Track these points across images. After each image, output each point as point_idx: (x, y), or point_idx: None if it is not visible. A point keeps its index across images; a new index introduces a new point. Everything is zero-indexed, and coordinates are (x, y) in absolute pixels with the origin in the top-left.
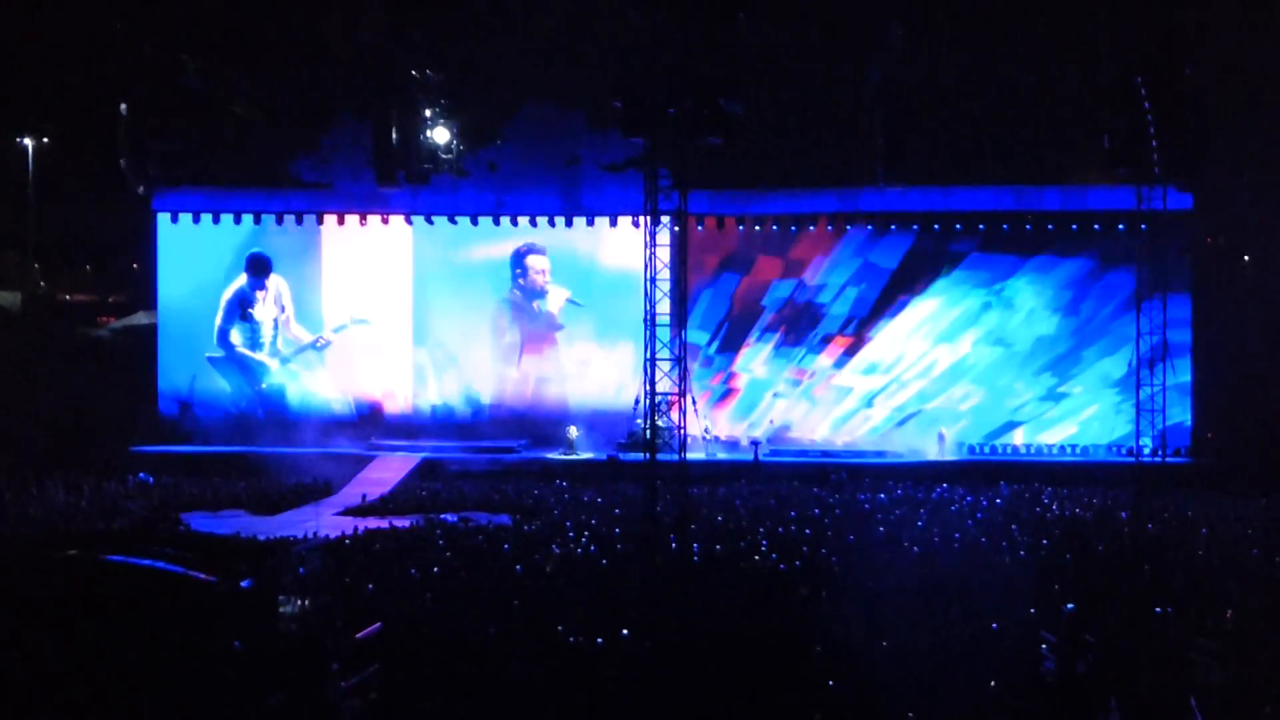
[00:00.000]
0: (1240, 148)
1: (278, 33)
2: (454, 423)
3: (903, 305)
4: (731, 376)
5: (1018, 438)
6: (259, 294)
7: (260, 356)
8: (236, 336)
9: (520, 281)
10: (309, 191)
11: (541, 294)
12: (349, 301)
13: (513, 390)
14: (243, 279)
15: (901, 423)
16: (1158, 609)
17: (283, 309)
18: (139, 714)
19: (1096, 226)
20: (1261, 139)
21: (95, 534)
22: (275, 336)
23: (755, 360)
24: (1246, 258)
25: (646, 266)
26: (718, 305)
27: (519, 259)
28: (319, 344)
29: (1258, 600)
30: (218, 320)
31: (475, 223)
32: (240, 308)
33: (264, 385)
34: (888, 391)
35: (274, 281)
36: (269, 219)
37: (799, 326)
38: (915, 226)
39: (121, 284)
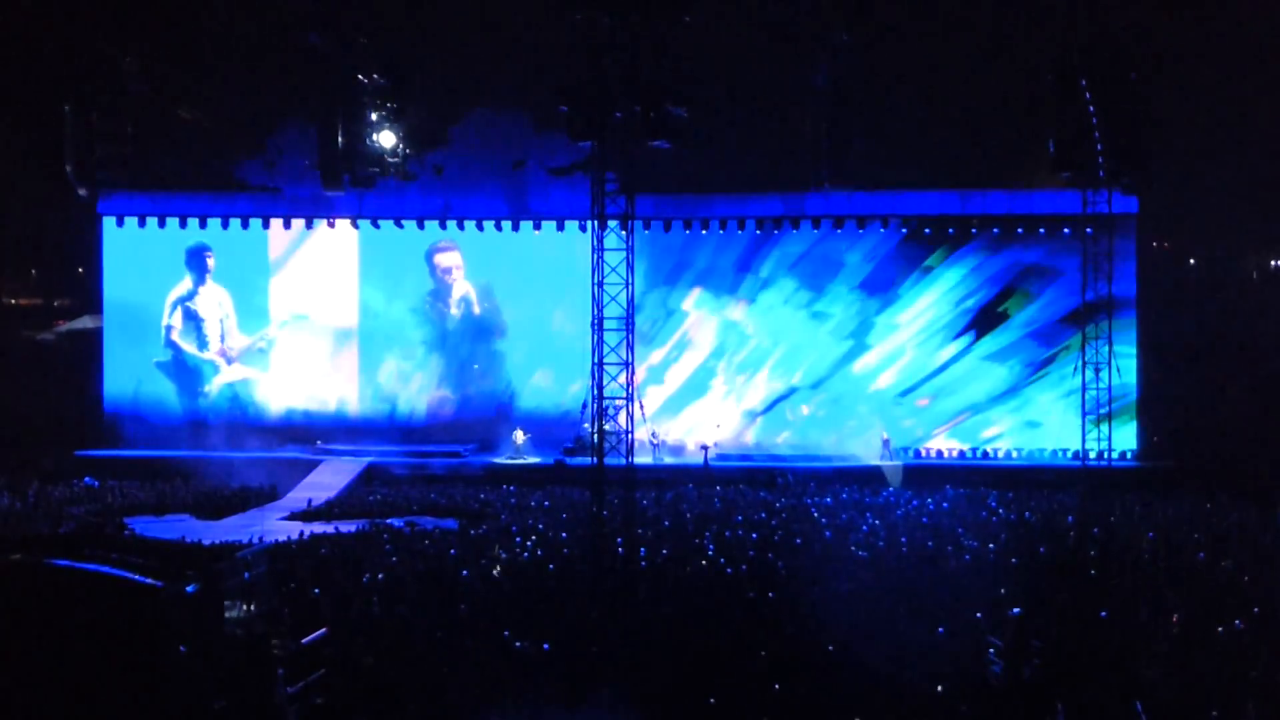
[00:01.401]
0: (1185, 151)
1: (223, 35)
2: (401, 427)
3: (850, 308)
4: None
5: (965, 441)
6: (202, 290)
7: (207, 355)
8: (182, 337)
9: (434, 280)
10: (255, 195)
11: (448, 291)
12: (296, 306)
13: (459, 394)
14: (187, 278)
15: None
16: (1103, 613)
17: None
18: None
19: (1042, 230)
20: (1206, 141)
21: (39, 538)
22: (222, 334)
23: (701, 361)
24: (1192, 260)
25: (594, 270)
26: (662, 305)
27: (428, 257)
28: (262, 342)
29: (1203, 604)
30: (164, 320)
31: (421, 226)
32: (184, 306)
33: (208, 388)
34: (831, 395)
35: (214, 284)
36: (215, 223)
37: (747, 329)
38: (861, 230)
39: (67, 288)
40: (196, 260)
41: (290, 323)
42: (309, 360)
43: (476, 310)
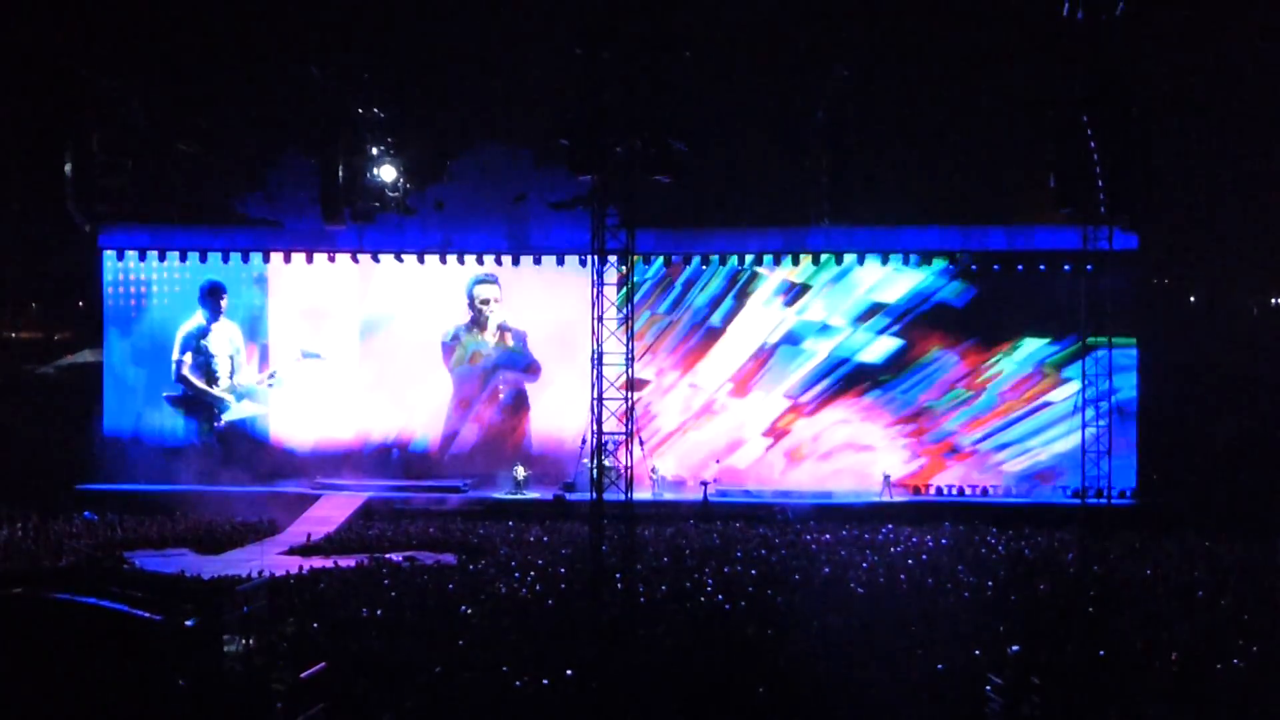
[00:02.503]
0: (1186, 188)
1: (223, 69)
2: (400, 462)
3: (849, 346)
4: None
5: (966, 478)
6: (215, 326)
7: (217, 391)
8: (192, 372)
9: (471, 312)
10: (257, 229)
11: (481, 324)
12: (297, 339)
13: (460, 429)
14: (199, 314)
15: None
16: (1102, 651)
17: (235, 347)
18: None
19: (1042, 266)
20: (1206, 179)
21: (40, 571)
22: (232, 370)
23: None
24: (1192, 298)
25: (594, 305)
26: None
27: (469, 289)
28: (270, 380)
29: (1203, 641)
30: (174, 355)
31: (422, 261)
32: (196, 341)
33: (218, 423)
34: (838, 434)
35: (226, 320)
36: (215, 257)
37: (749, 365)
38: (861, 265)
39: (68, 322)
40: (210, 296)
41: (300, 359)
42: (311, 394)
43: (509, 343)
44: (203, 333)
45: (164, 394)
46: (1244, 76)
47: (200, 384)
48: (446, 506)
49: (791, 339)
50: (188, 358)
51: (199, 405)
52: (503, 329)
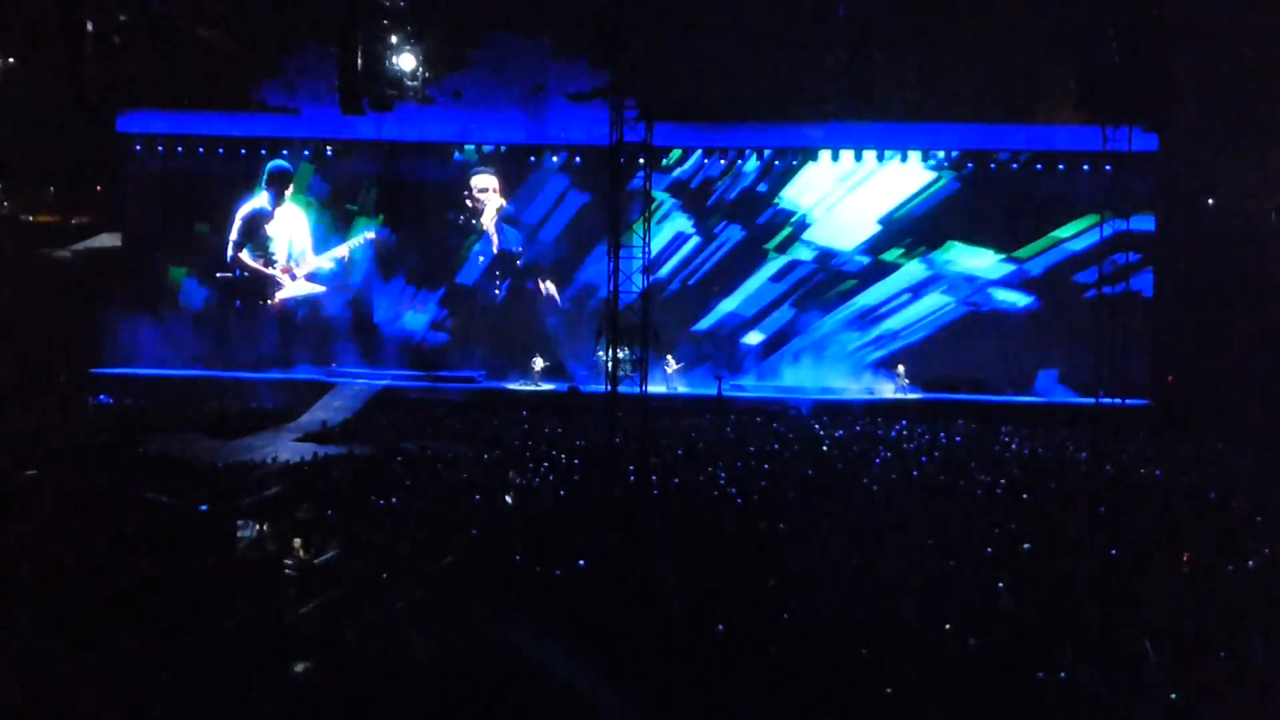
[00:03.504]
0: (1208, 90)
1: None
2: (416, 350)
3: (866, 243)
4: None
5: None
6: (279, 210)
7: (273, 271)
8: (249, 252)
9: (466, 203)
10: (274, 116)
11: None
12: (319, 228)
13: (476, 318)
14: (263, 196)
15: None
16: (1113, 551)
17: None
18: (94, 633)
19: (1061, 166)
20: (1229, 82)
21: (55, 454)
22: (290, 254)
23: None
24: (1211, 201)
25: (611, 198)
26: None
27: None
28: (330, 260)
29: (1214, 543)
30: (231, 236)
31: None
32: (258, 223)
33: (271, 302)
34: (850, 331)
35: (291, 204)
36: (233, 144)
37: (762, 263)
38: (880, 160)
39: (85, 206)
40: (277, 180)
41: (363, 243)
42: (328, 281)
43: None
44: (265, 215)
45: (216, 273)
46: None
47: (257, 265)
48: (462, 396)
49: (808, 238)
50: (245, 237)
51: (248, 286)
52: (503, 217)
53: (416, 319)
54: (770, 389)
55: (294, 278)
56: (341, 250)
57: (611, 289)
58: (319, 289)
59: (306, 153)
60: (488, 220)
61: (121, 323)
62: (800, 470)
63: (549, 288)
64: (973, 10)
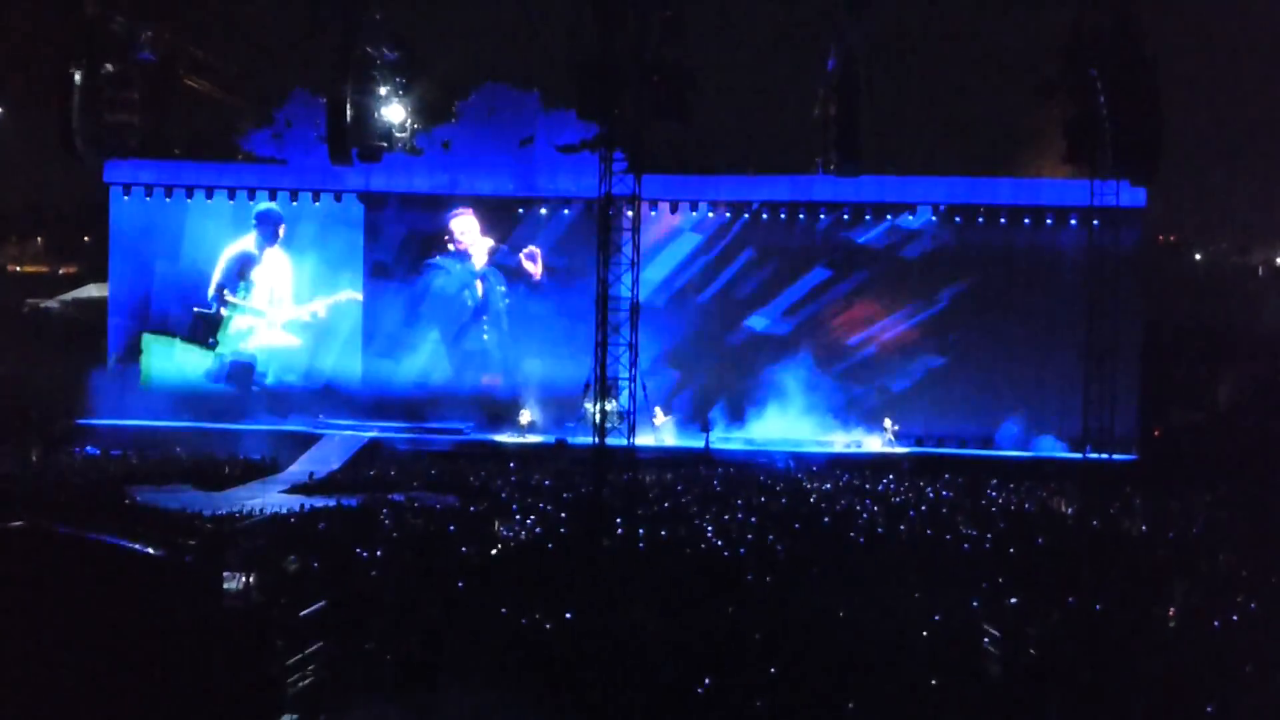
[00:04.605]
0: (1195, 145)
1: (231, 5)
2: (403, 402)
3: (852, 295)
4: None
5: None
6: (267, 253)
7: (249, 320)
8: (231, 293)
9: (449, 248)
10: (262, 166)
11: (464, 257)
12: (301, 279)
13: (463, 371)
14: (251, 238)
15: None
16: (1098, 605)
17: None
18: (78, 685)
19: (1049, 220)
20: (1215, 136)
21: (41, 505)
22: (270, 300)
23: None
24: (1198, 255)
25: (600, 250)
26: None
27: (445, 222)
28: (308, 315)
29: (1201, 596)
30: (215, 277)
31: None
32: (241, 267)
33: (244, 345)
34: (835, 383)
35: (279, 250)
36: (221, 194)
37: (752, 313)
38: (868, 216)
39: (73, 256)
40: (266, 223)
41: (340, 302)
42: (314, 333)
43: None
44: (251, 259)
45: (194, 309)
46: (1257, 32)
47: (238, 304)
48: (449, 448)
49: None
50: (230, 279)
51: (223, 329)
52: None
53: (402, 369)
54: (759, 441)
55: (270, 326)
56: (318, 306)
57: (600, 339)
58: (294, 342)
59: (297, 203)
60: (478, 262)
61: (108, 374)
62: (788, 523)
63: (532, 267)
64: (960, 64)
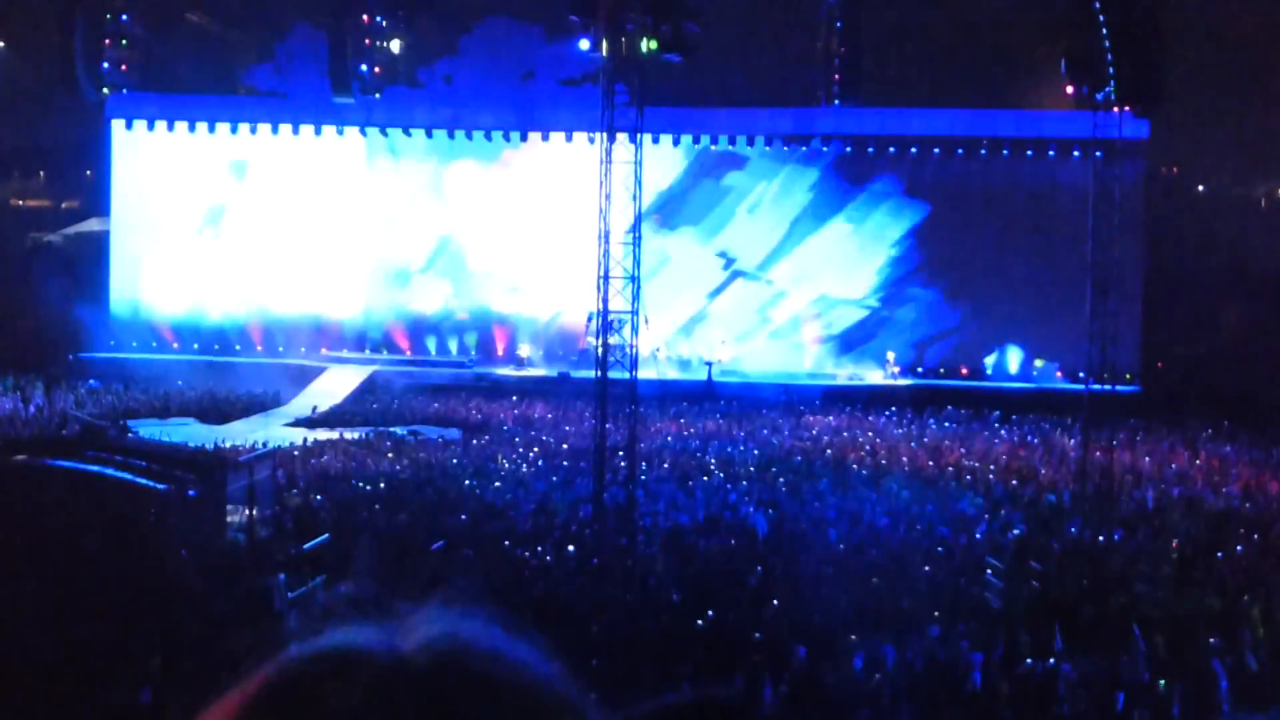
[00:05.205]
0: (1197, 77)
1: None
2: (406, 335)
3: (852, 228)
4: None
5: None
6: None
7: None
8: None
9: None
10: (264, 100)
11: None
12: (304, 211)
13: (467, 304)
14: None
15: (851, 346)
16: (1101, 539)
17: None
18: (84, 618)
19: (1052, 153)
20: (1217, 68)
21: (44, 440)
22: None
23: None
24: (1200, 188)
25: (602, 183)
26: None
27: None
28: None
29: (1203, 531)
30: (200, 224)
31: (430, 135)
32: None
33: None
34: (834, 314)
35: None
36: (223, 128)
37: (750, 248)
38: (870, 148)
39: (75, 190)
40: (238, 171)
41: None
42: (317, 266)
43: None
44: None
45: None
46: None
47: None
48: (451, 381)
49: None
50: (212, 225)
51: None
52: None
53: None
54: (762, 374)
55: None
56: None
57: (602, 274)
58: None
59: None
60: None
61: (110, 307)
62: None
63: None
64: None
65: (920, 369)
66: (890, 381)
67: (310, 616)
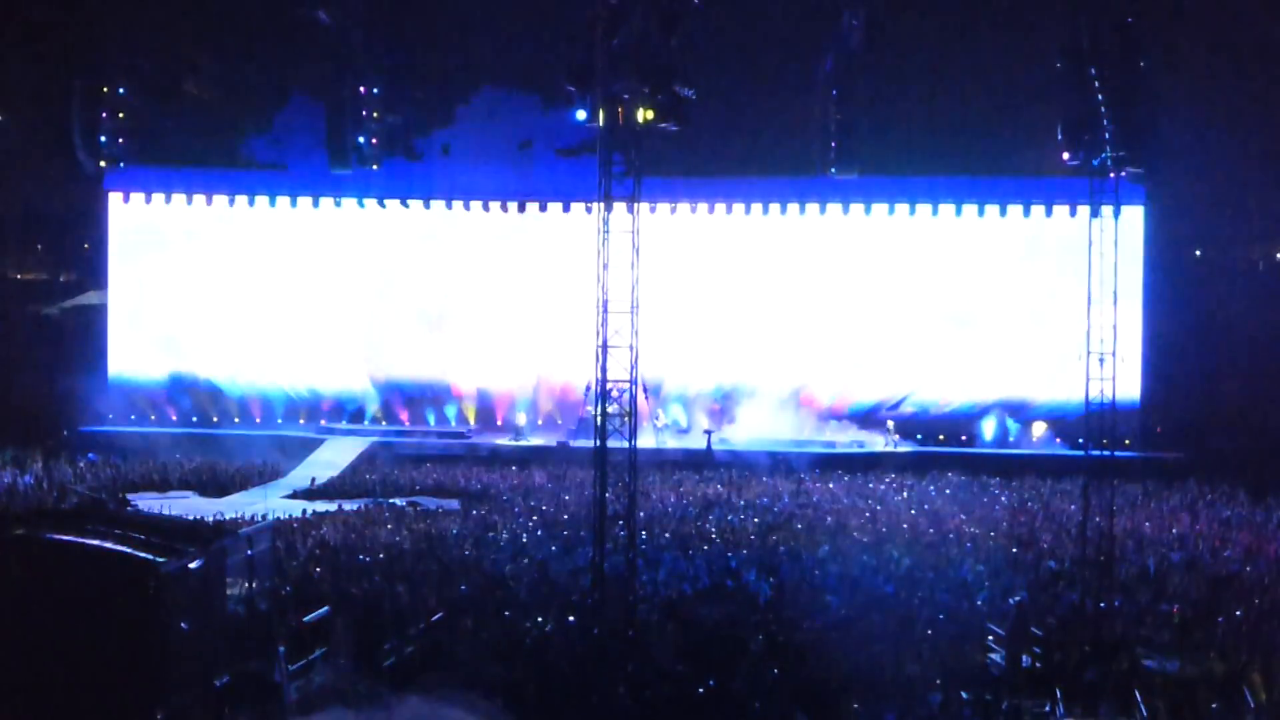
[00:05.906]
0: (1193, 140)
1: (230, 12)
2: (405, 406)
3: (854, 292)
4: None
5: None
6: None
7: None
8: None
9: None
10: (262, 172)
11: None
12: (303, 283)
13: (465, 374)
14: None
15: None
16: (1103, 604)
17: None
18: (83, 694)
19: (1049, 217)
20: (1213, 131)
21: (42, 513)
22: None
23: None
24: (1198, 251)
25: (599, 253)
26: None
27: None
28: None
29: (1204, 594)
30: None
31: (427, 205)
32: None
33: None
34: (837, 382)
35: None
36: (221, 200)
37: (749, 313)
38: (868, 214)
39: (72, 263)
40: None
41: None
42: (314, 339)
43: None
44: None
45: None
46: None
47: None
48: (450, 452)
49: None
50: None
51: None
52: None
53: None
54: (760, 443)
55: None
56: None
57: (600, 343)
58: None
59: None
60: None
61: (108, 381)
62: (790, 523)
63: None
64: (957, 63)
65: (919, 435)
66: (891, 449)
67: (308, 692)
